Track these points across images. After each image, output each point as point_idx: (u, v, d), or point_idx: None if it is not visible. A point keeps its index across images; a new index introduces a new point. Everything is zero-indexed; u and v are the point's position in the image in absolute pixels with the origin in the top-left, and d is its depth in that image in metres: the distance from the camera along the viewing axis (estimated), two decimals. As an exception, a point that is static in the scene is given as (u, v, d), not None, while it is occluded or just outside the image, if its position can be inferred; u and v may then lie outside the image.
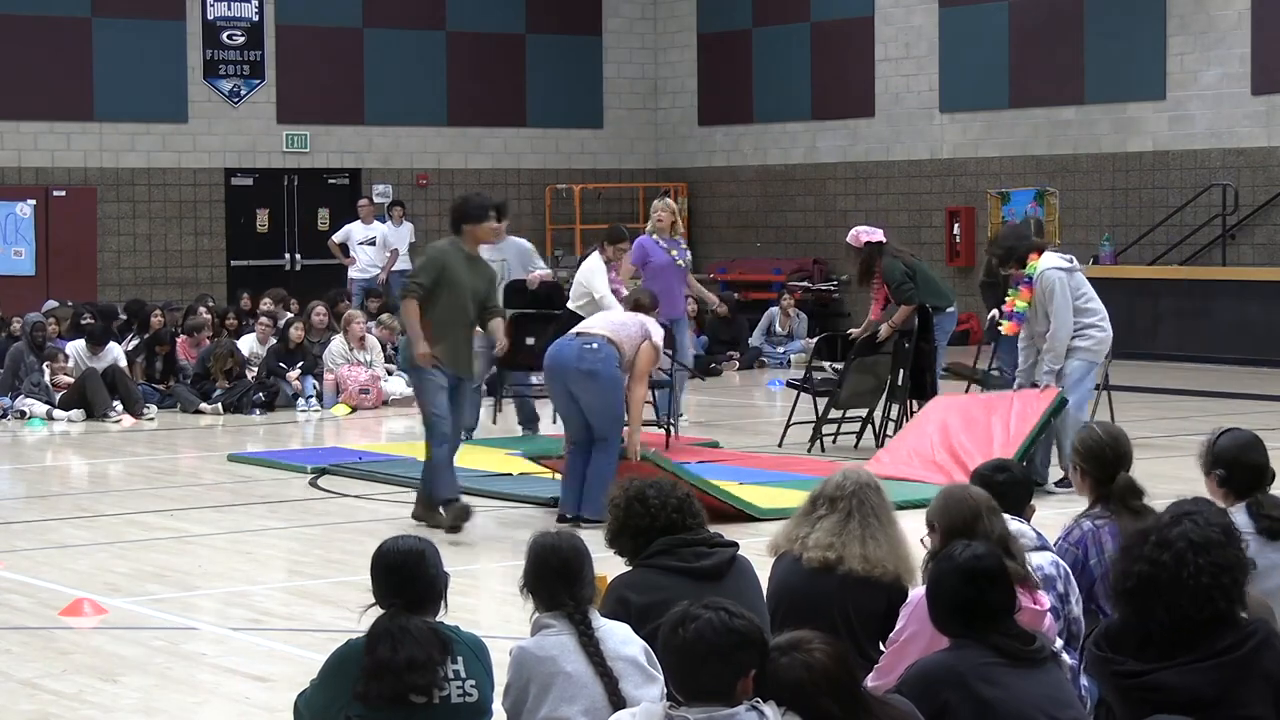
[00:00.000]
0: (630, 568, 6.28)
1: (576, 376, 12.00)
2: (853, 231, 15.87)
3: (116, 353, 19.68)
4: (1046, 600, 6.16)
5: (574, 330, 12.50)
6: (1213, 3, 24.70)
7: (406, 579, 5.65)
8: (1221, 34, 24.65)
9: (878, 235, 15.71)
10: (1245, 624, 5.03)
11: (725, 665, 4.63)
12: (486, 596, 9.91)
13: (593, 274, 15.59)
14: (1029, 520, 6.60)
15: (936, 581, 5.36)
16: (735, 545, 6.36)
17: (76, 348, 19.68)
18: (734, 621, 4.65)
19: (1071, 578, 6.50)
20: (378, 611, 5.66)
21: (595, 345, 12.05)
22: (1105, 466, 6.94)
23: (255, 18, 28.16)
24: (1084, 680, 6.19)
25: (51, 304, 23.80)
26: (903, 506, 7.52)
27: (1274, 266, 23.66)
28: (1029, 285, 13.31)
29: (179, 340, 20.87)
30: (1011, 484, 6.61)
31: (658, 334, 12.38)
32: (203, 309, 21.90)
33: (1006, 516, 6.26)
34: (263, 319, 20.85)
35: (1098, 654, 5.11)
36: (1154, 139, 25.37)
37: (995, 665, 5.15)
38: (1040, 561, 6.38)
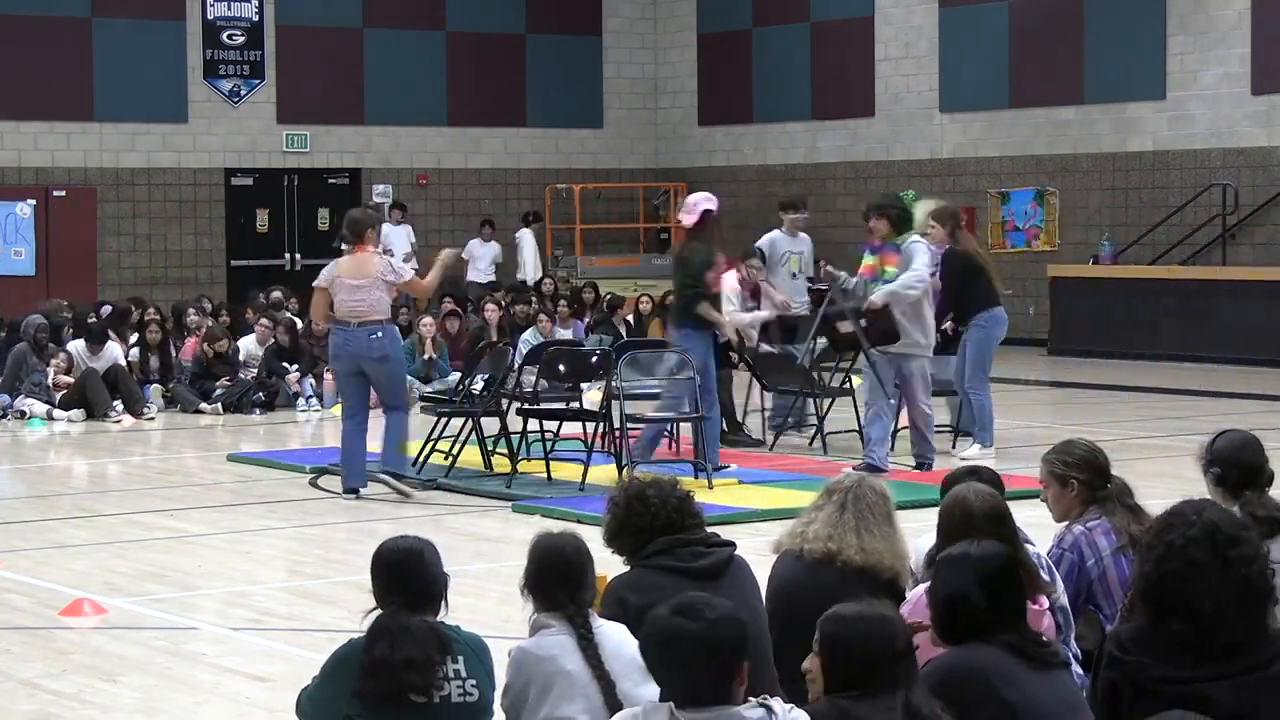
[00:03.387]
0: (628, 568, 6.27)
1: (369, 363, 13.46)
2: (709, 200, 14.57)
3: (116, 352, 19.67)
4: (1045, 600, 6.18)
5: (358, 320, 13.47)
6: (1213, 3, 24.69)
7: (405, 578, 5.65)
8: (1221, 34, 24.64)
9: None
10: (1277, 635, 4.96)
11: (705, 672, 4.61)
12: (487, 596, 9.90)
13: None
14: None
15: (945, 582, 5.22)
16: (733, 545, 6.34)
17: (76, 347, 19.66)
18: (711, 631, 4.59)
19: (1054, 569, 6.59)
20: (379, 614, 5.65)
21: (380, 334, 13.49)
22: (1100, 474, 7.03)
23: (255, 18, 28.15)
24: (1078, 670, 6.22)
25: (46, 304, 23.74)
26: (903, 506, 7.49)
27: (1274, 266, 23.66)
28: (895, 251, 14.17)
29: (188, 341, 20.88)
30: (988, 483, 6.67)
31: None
32: (193, 310, 21.89)
33: None
34: (263, 320, 20.84)
35: (1122, 658, 4.97)
36: (1154, 139, 25.36)
37: (1015, 667, 5.07)
38: None
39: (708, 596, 4.78)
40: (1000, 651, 5.08)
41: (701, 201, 14.37)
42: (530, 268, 28.24)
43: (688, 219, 14.39)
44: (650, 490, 6.24)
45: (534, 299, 23.91)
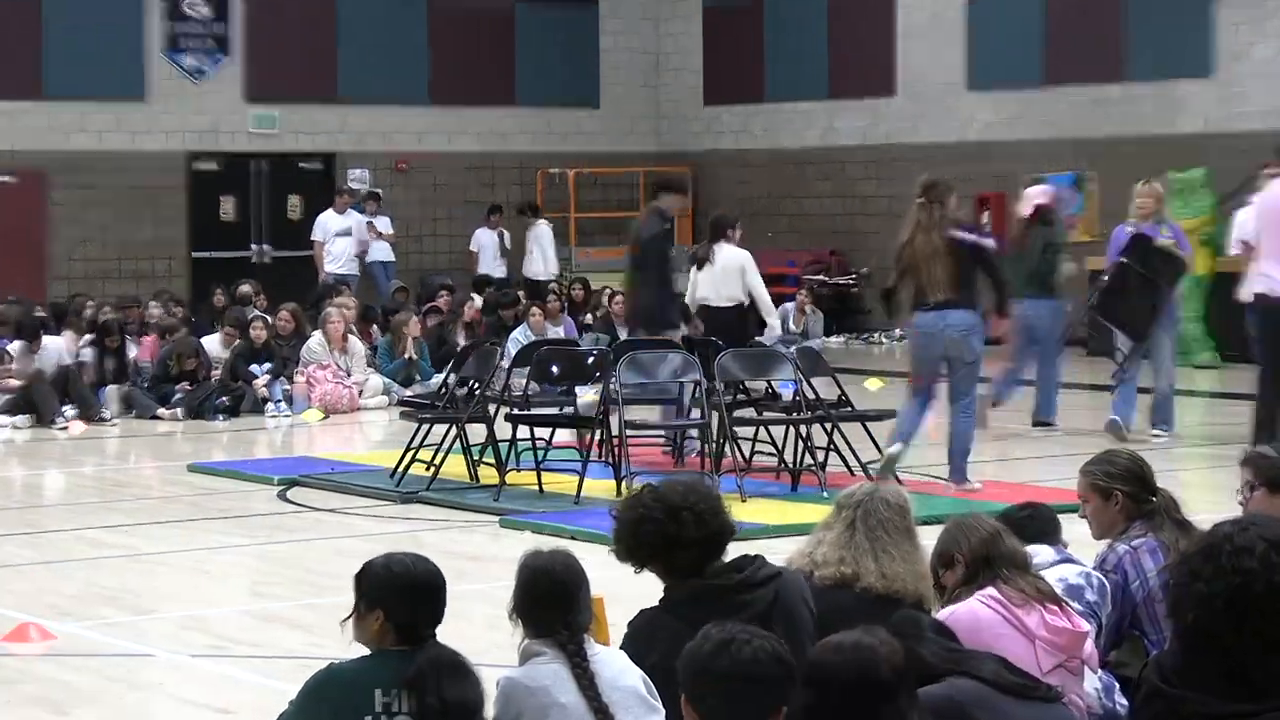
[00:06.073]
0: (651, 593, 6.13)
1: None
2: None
3: (58, 348, 19.55)
4: (1084, 623, 6.15)
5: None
6: (1267, -30, 24.73)
7: (436, 601, 5.58)
8: (1277, 4, 24.65)
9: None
10: None
11: (742, 704, 4.62)
12: (474, 620, 9.88)
13: None
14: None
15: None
16: (777, 576, 5.95)
17: (15, 348, 19.52)
18: (754, 669, 4.57)
19: (1106, 586, 6.65)
20: (360, 622, 5.55)
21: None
22: (1145, 485, 7.05)
23: (220, -13, 28.15)
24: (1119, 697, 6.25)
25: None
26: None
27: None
28: None
29: (146, 340, 20.82)
30: (1034, 518, 6.91)
31: None
32: (154, 304, 21.84)
33: (1032, 547, 6.49)
34: (227, 327, 20.71)
35: (1162, 688, 4.92)
36: (1204, 119, 25.37)
37: (994, 696, 5.31)
38: (1064, 574, 6.57)
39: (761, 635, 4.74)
40: (978, 684, 5.28)
41: (1036, 195, 17.67)
42: (551, 263, 28.07)
43: (1025, 210, 17.62)
44: (651, 496, 6.03)
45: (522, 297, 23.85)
